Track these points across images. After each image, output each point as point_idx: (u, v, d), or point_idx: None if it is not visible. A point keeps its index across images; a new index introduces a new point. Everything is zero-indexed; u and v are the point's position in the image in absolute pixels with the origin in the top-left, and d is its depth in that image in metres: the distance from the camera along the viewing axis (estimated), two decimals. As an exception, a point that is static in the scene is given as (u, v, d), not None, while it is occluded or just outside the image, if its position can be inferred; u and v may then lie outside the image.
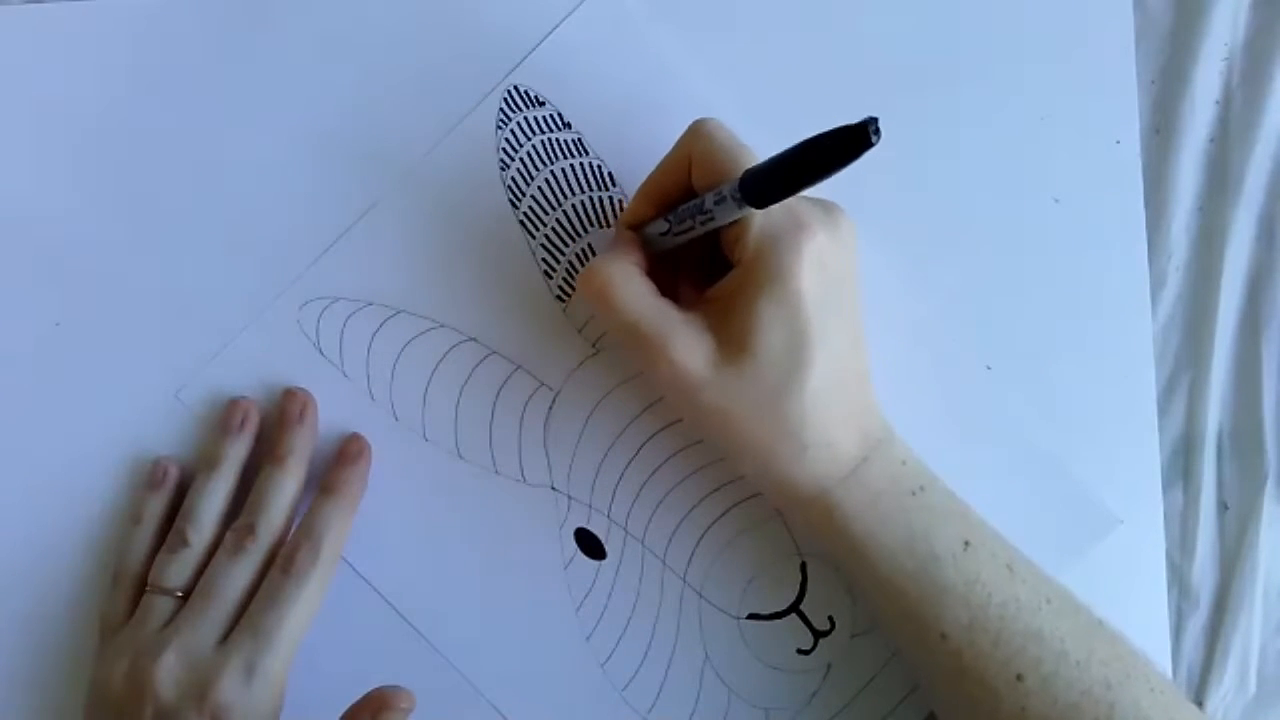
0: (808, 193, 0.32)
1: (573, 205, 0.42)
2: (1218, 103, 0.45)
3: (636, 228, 0.39)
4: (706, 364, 0.35)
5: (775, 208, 0.34)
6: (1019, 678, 0.35)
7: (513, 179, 0.42)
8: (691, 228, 0.36)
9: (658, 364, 0.35)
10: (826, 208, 0.36)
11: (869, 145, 0.29)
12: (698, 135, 0.36)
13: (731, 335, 0.35)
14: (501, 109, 0.42)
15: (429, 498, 0.42)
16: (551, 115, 0.42)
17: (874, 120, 0.29)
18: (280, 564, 0.39)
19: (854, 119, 0.44)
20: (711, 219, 0.35)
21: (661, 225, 0.37)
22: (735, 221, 0.35)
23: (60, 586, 0.41)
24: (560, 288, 0.42)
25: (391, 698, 0.36)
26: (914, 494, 0.37)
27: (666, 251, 0.38)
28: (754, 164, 0.34)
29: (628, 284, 0.36)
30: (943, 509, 0.37)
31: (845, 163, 0.29)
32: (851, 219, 0.37)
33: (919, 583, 0.36)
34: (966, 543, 0.37)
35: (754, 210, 0.34)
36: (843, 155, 0.29)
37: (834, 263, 0.36)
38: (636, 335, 0.36)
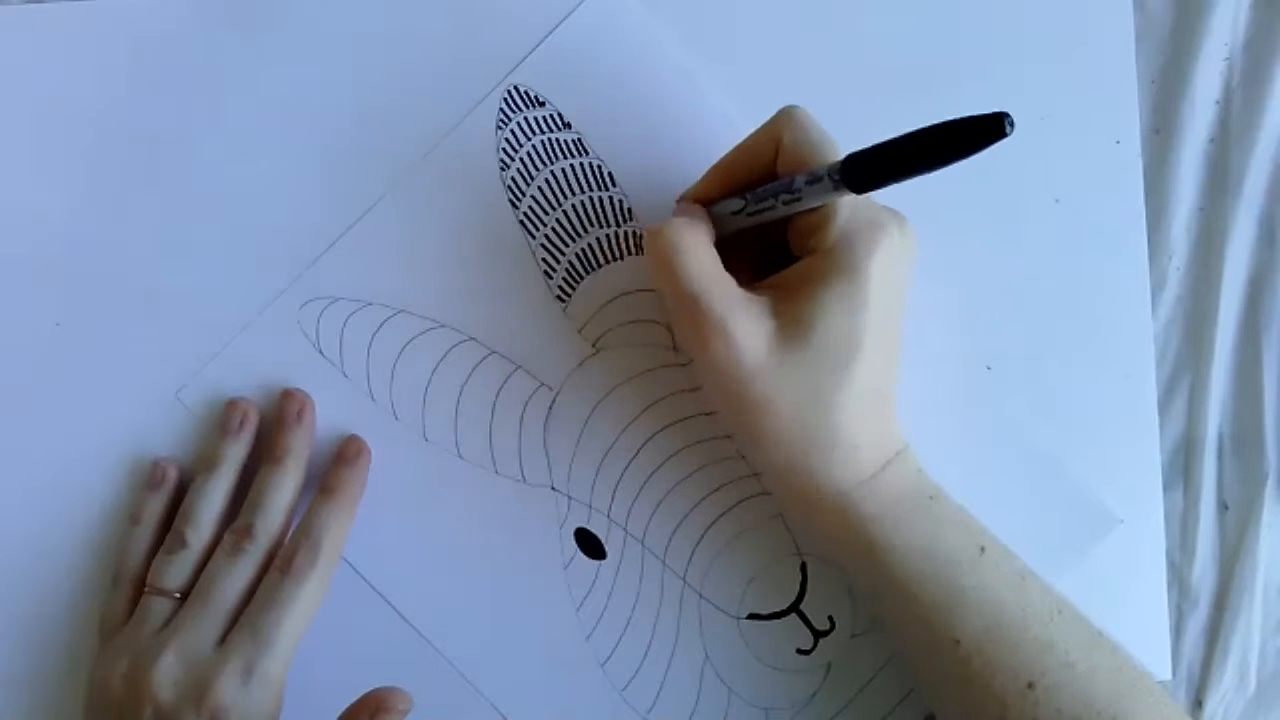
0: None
1: (573, 205, 0.42)
2: (1218, 103, 0.45)
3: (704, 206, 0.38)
4: (763, 347, 0.35)
5: (859, 206, 0.34)
6: (1030, 685, 0.35)
7: (513, 179, 0.42)
8: (772, 207, 0.35)
9: (712, 341, 0.35)
10: (898, 215, 0.36)
11: (1002, 136, 0.28)
12: (791, 121, 0.36)
13: (792, 321, 0.35)
14: (501, 109, 0.42)
15: (429, 498, 0.42)
16: (551, 115, 0.42)
17: (1008, 114, 0.28)
18: (279, 565, 0.39)
19: (854, 119, 0.44)
20: (799, 199, 0.34)
21: (735, 204, 0.37)
22: (812, 211, 0.35)
23: (60, 587, 0.41)
24: (560, 288, 0.42)
25: (389, 699, 0.36)
26: (932, 498, 0.37)
27: (724, 238, 0.38)
28: (839, 158, 0.33)
29: (696, 251, 0.35)
30: (955, 516, 0.37)
31: (968, 153, 0.29)
32: (914, 231, 0.37)
33: (935, 587, 0.36)
34: (982, 549, 0.37)
35: (842, 197, 0.33)
36: (967, 146, 0.29)
37: (899, 269, 0.36)
38: (696, 308, 0.35)
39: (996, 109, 0.43)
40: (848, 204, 0.35)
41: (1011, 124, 0.28)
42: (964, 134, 0.29)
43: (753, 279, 0.38)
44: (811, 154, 0.35)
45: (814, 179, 0.34)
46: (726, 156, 0.38)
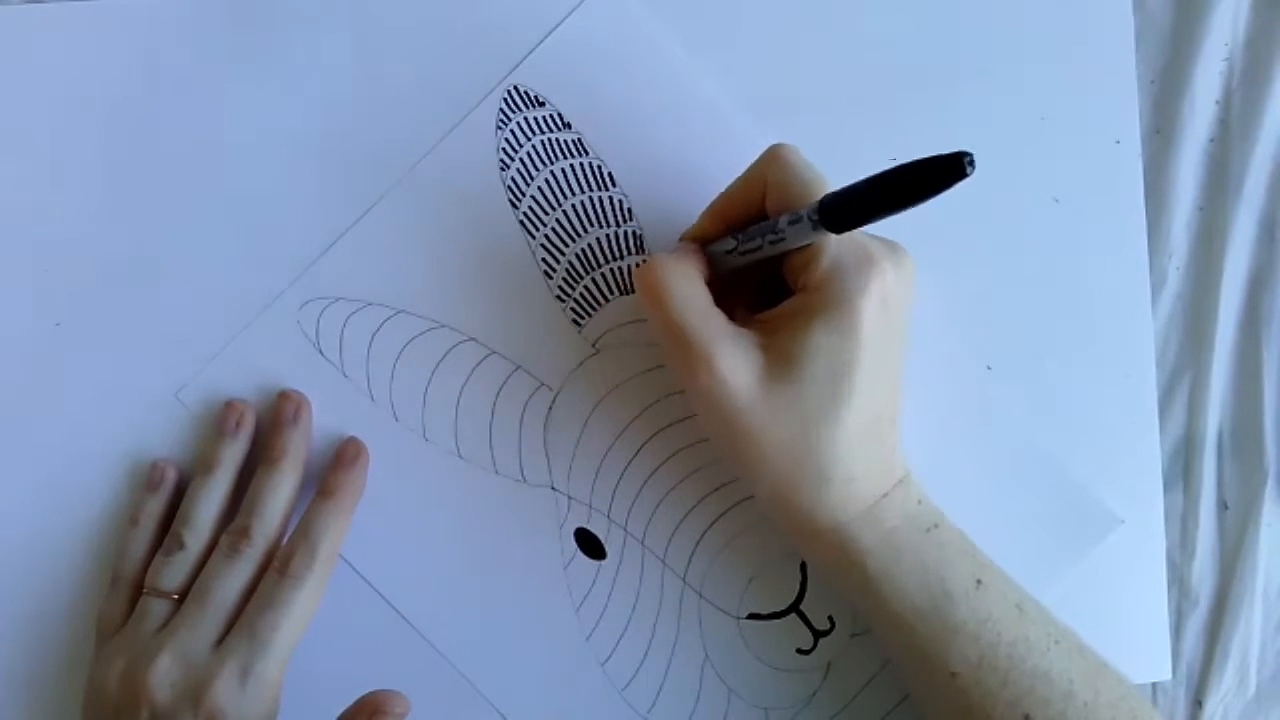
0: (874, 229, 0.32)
1: (573, 205, 0.42)
2: (1218, 103, 0.45)
3: (700, 245, 0.38)
4: (750, 381, 0.35)
5: (846, 239, 0.34)
6: (1026, 717, 0.35)
7: (513, 179, 0.42)
8: (760, 247, 0.35)
9: (699, 374, 0.35)
10: (893, 247, 0.36)
11: (962, 176, 0.28)
12: (775, 160, 0.36)
13: (781, 355, 0.35)
14: (501, 109, 0.42)
15: (429, 498, 0.42)
16: (551, 115, 0.42)
17: (968, 154, 0.28)
18: (276, 566, 0.39)
19: (854, 119, 0.44)
20: (783, 239, 0.34)
21: (728, 243, 0.37)
22: (803, 248, 0.35)
23: (59, 587, 0.41)
24: (560, 288, 0.42)
25: (386, 702, 0.36)
26: (928, 531, 0.37)
27: (724, 275, 0.38)
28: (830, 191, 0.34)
29: (684, 285, 0.36)
30: (955, 547, 0.37)
31: (933, 193, 0.29)
32: (912, 259, 0.37)
33: (930, 620, 0.36)
34: (979, 581, 0.37)
35: (826, 236, 0.33)
36: (932, 186, 0.29)
37: (895, 303, 0.35)
38: (683, 340, 0.35)
39: (996, 109, 0.43)
40: (837, 239, 0.35)
41: (972, 163, 0.28)
42: (926, 174, 0.29)
43: (754, 314, 0.37)
44: (798, 193, 0.35)
45: (795, 220, 0.34)
46: (720, 196, 0.38)
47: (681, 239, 0.39)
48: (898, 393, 0.37)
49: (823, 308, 0.35)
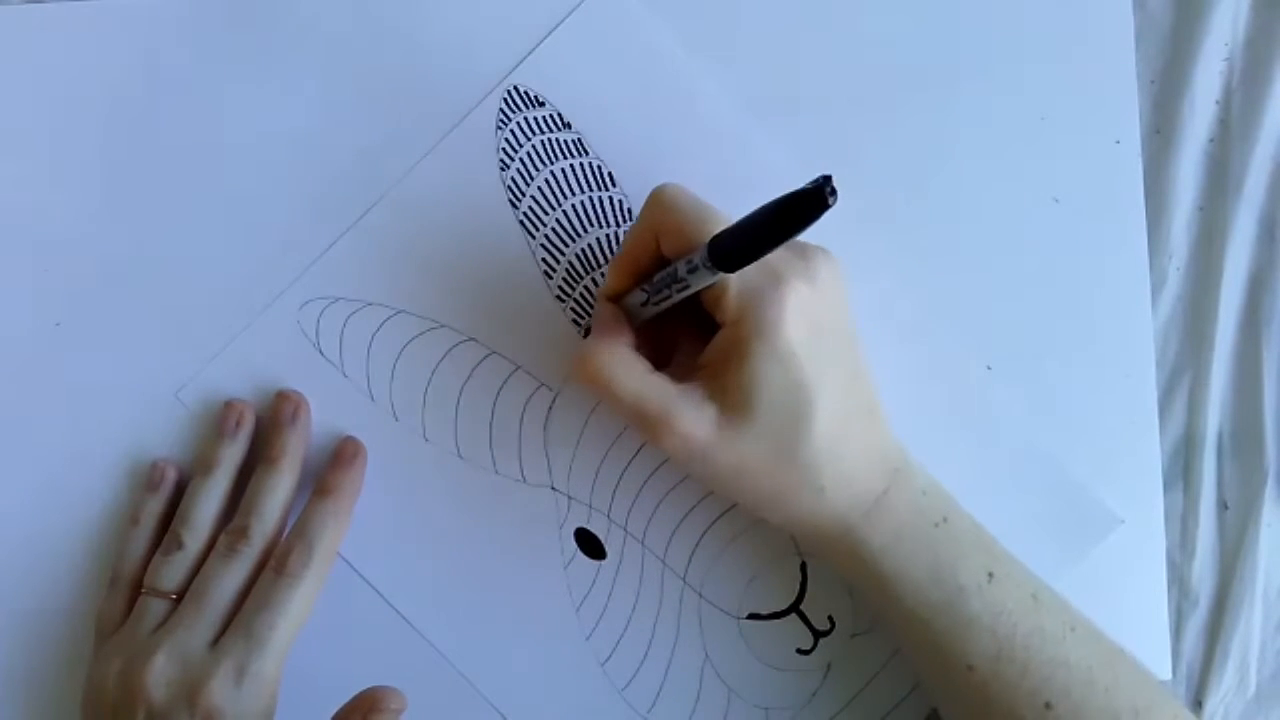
0: None
1: (573, 205, 0.42)
2: (1218, 103, 0.45)
3: (617, 299, 0.38)
4: (712, 431, 0.35)
5: (749, 266, 0.34)
6: (1047, 705, 0.35)
7: (513, 179, 0.42)
8: (669, 296, 0.36)
9: (665, 439, 0.35)
10: (803, 253, 0.36)
11: (826, 207, 0.29)
12: (660, 204, 0.36)
13: (731, 398, 0.35)
14: (501, 109, 0.42)
15: (429, 498, 0.42)
16: (551, 115, 0.42)
17: (828, 180, 0.29)
18: (273, 565, 0.39)
19: (854, 119, 0.44)
20: (687, 286, 0.34)
21: (640, 296, 0.37)
22: (713, 284, 0.35)
23: (59, 587, 0.41)
24: (560, 288, 0.42)
25: (383, 698, 0.36)
26: (937, 525, 0.37)
27: (652, 320, 0.38)
28: (720, 225, 0.34)
29: (621, 367, 0.36)
30: (967, 539, 0.37)
31: (807, 224, 0.29)
32: (833, 257, 0.37)
33: (945, 615, 0.36)
34: (991, 573, 0.37)
35: (723, 276, 0.34)
36: (804, 217, 0.29)
37: (818, 309, 0.35)
38: (639, 415, 0.35)
39: (996, 109, 0.43)
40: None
41: (833, 192, 0.28)
42: (795, 208, 0.29)
43: (698, 338, 0.37)
44: (691, 232, 0.35)
45: (692, 267, 0.34)
46: (620, 249, 0.38)
47: (599, 296, 0.39)
48: (864, 384, 0.37)
49: (748, 340, 0.35)
